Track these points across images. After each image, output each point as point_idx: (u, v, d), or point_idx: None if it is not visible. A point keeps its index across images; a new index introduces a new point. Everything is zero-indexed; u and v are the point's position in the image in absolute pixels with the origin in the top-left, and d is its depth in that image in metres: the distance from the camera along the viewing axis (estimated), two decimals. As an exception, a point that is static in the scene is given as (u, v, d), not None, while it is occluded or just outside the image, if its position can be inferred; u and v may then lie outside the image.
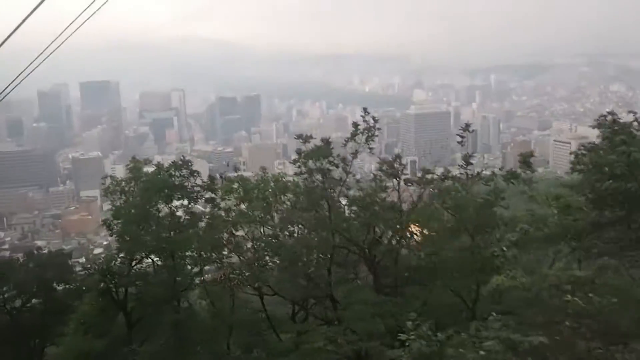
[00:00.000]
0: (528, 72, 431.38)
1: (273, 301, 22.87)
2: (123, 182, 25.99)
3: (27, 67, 9.66)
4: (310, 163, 19.89)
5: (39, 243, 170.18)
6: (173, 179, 24.80)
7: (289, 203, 22.35)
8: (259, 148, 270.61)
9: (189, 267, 24.55)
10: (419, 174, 19.78)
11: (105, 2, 7.96)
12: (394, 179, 19.11)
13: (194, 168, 25.53)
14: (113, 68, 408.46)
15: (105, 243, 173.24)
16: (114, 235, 25.32)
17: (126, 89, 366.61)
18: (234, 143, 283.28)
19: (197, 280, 24.55)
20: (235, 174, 26.49)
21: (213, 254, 22.39)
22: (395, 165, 19.29)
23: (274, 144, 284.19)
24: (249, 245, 22.31)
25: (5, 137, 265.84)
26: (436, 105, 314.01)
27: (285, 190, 22.62)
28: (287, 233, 21.60)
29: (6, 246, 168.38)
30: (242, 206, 23.01)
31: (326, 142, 20.21)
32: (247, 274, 21.32)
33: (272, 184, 23.43)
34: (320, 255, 20.93)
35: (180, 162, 25.49)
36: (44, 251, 37.63)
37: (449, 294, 18.38)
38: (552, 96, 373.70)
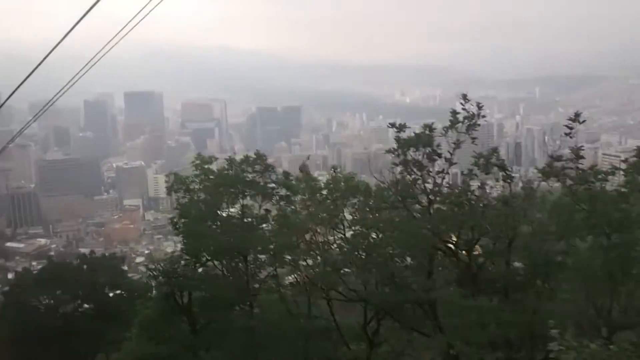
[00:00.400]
0: (574, 84, 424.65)
1: (340, 308, 21.60)
2: (188, 179, 25.15)
3: (73, 76, 10.35)
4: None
5: (82, 250, 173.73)
6: (245, 174, 23.77)
7: (358, 204, 20.95)
8: (299, 159, 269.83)
9: (262, 269, 23.47)
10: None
11: (147, 14, 8.49)
12: (501, 171, 17.27)
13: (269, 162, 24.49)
14: (156, 78, 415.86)
15: (146, 252, 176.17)
16: (180, 235, 24.35)
17: (168, 99, 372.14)
18: (274, 153, 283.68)
19: (270, 284, 23.23)
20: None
21: (289, 256, 21.11)
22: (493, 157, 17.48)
23: (314, 155, 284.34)
24: (334, 246, 20.55)
25: (53, 145, 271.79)
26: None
27: (357, 191, 21.38)
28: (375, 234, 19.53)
29: (52, 253, 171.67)
30: (315, 205, 21.59)
31: (429, 128, 18.56)
32: (328, 278, 19.56)
33: (342, 183, 22.05)
34: (414, 256, 19.11)
35: (254, 157, 24.46)
36: (97, 255, 38.29)
37: (569, 300, 16.57)
38: (600, 109, 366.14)
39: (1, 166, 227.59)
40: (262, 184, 23.75)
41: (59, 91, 11.12)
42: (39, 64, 9.53)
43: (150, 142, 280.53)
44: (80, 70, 10.32)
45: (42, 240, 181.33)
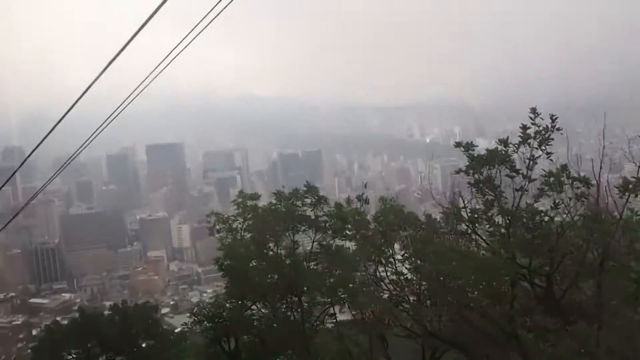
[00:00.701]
0: (595, 112, 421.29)
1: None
2: (230, 218, 24.62)
3: (94, 131, 10.63)
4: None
5: (107, 304, 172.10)
6: (295, 208, 22.76)
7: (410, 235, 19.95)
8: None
9: (316, 307, 22.23)
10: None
11: (165, 66, 8.64)
12: (584, 185, 15.88)
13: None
14: (177, 129, 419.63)
15: (172, 303, 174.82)
16: (225, 277, 23.91)
17: (190, 150, 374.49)
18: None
19: (326, 323, 22.19)
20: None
21: (345, 292, 20.08)
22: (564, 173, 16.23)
23: (337, 199, 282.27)
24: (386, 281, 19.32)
25: (76, 200, 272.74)
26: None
27: (408, 223, 20.66)
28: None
29: (76, 307, 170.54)
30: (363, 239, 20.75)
31: (504, 142, 16.90)
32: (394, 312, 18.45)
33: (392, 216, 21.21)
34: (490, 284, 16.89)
35: (304, 189, 23.62)
36: (129, 305, 36.05)
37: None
38: (623, 138, 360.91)
39: (25, 223, 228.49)
40: (313, 217, 22.72)
41: (80, 146, 11.41)
42: (60, 120, 9.84)
43: (173, 193, 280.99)
44: (101, 125, 10.63)
45: (67, 295, 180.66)
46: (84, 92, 9.09)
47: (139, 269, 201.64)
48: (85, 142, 11.45)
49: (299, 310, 21.59)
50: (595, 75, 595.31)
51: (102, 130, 10.87)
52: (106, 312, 37.11)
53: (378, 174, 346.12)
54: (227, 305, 22.57)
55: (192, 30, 8.64)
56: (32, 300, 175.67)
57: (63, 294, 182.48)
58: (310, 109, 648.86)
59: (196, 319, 23.42)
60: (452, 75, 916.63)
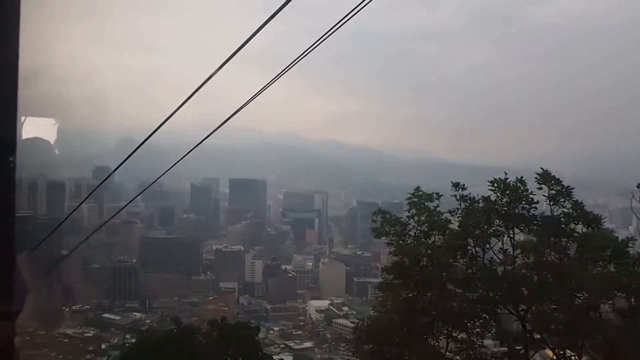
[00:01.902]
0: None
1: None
2: (402, 219, 21.63)
3: (177, 161, 11.60)
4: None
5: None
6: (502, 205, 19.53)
7: None
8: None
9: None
10: None
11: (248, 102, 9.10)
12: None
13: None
14: (261, 167, 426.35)
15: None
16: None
17: (272, 188, 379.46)
18: (372, 248, 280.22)
19: None
20: None
21: None
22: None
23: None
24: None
25: (157, 224, 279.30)
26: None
27: None
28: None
29: (145, 328, 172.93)
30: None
31: None
32: None
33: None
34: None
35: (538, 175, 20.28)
36: (228, 322, 34.95)
37: None
38: None
39: (108, 240, 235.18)
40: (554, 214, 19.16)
41: (162, 174, 12.47)
42: (140, 145, 10.59)
43: (251, 227, 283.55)
44: (183, 156, 11.57)
45: (138, 314, 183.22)
46: (163, 123, 9.71)
47: (210, 297, 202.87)
48: (167, 170, 12.36)
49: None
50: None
51: (181, 160, 11.76)
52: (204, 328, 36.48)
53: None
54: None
55: (282, 72, 8.76)
56: (105, 315, 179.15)
57: (134, 313, 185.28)
58: (395, 161, 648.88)
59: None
60: (544, 141, 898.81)
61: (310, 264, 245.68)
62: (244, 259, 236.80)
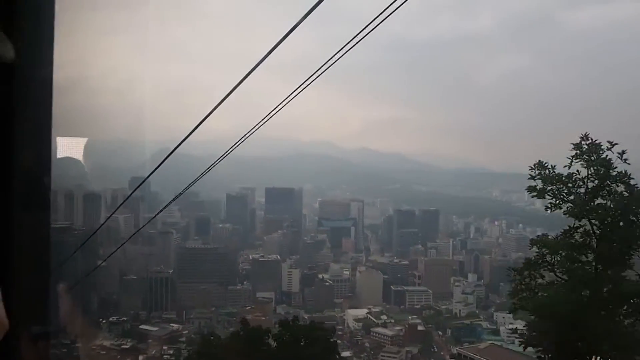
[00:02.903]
0: None
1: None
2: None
3: (205, 169, 11.71)
4: None
5: (212, 339, 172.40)
6: None
7: None
8: (435, 263, 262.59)
9: None
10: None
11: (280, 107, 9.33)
12: None
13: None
14: (297, 176, 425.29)
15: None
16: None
17: (308, 197, 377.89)
18: (409, 256, 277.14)
19: None
20: None
21: None
22: None
23: (450, 260, 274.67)
24: None
25: (193, 234, 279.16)
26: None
27: None
28: None
29: (183, 339, 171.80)
30: None
31: None
32: None
33: None
34: None
35: None
36: (301, 322, 32.51)
37: None
38: None
39: (144, 250, 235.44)
40: None
41: (191, 182, 12.63)
42: (171, 153, 11.14)
43: (287, 237, 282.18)
44: (212, 164, 11.60)
45: (175, 325, 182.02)
46: (193, 130, 10.10)
47: (247, 307, 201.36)
48: (196, 179, 12.25)
49: None
50: None
51: (210, 169, 11.76)
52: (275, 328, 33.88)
53: (495, 239, 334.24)
54: None
55: (310, 80, 8.92)
56: (142, 326, 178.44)
57: (171, 324, 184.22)
58: (431, 169, 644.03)
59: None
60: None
61: (347, 272, 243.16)
62: (281, 269, 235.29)
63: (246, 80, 8.22)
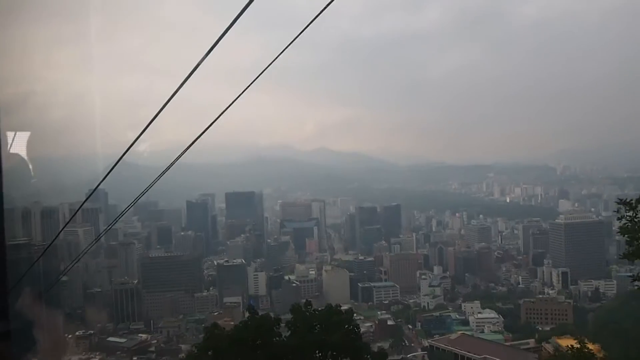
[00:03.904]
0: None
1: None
2: None
3: (155, 179, 11.98)
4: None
5: (183, 347, 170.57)
6: None
7: None
8: (400, 258, 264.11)
9: None
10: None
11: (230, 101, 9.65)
12: None
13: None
14: (257, 181, 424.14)
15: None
16: None
17: (269, 200, 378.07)
18: (373, 253, 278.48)
19: None
20: None
21: None
22: None
23: (415, 254, 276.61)
24: None
25: (155, 244, 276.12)
26: (587, 215, 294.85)
27: None
28: None
29: (152, 349, 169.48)
30: None
31: None
32: None
33: None
34: None
35: None
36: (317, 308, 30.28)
37: None
38: None
39: (106, 263, 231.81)
40: None
41: (142, 191, 12.89)
42: (116, 163, 11.38)
43: (250, 240, 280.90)
44: (162, 173, 11.79)
45: (144, 336, 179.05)
46: (134, 142, 10.32)
47: (215, 313, 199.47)
48: (147, 187, 12.42)
49: None
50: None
51: (162, 176, 11.85)
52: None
53: (457, 231, 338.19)
54: None
55: (251, 83, 9.46)
56: (110, 338, 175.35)
57: (140, 335, 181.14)
58: (388, 166, 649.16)
59: None
60: (533, 137, 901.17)
61: (313, 272, 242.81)
62: (246, 273, 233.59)
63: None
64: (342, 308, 31.34)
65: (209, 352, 27.32)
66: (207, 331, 29.07)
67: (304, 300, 30.95)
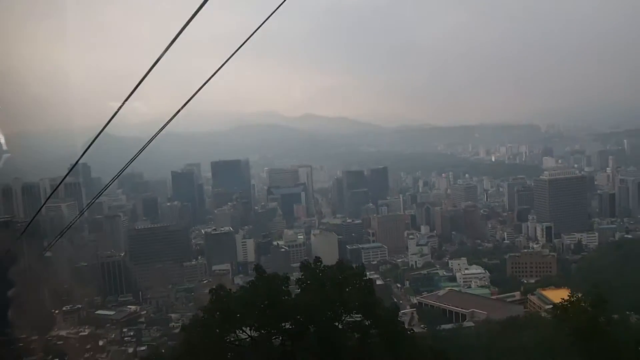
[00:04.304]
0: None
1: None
2: None
3: (140, 149, 11.57)
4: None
5: (173, 316, 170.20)
6: None
7: None
8: (388, 219, 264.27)
9: None
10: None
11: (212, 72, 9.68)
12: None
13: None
14: (243, 149, 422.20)
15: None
16: None
17: (255, 167, 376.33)
18: (361, 215, 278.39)
19: None
20: None
21: None
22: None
23: (402, 215, 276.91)
24: None
25: (141, 215, 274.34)
26: (570, 171, 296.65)
27: None
28: None
29: (142, 319, 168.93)
30: None
31: None
32: None
33: None
34: None
35: None
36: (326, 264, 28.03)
37: None
38: None
39: (92, 237, 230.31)
40: None
41: (127, 163, 12.48)
42: (96, 137, 11.31)
43: (238, 208, 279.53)
44: (146, 144, 11.47)
45: (133, 307, 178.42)
46: (112, 116, 10.29)
47: (204, 282, 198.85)
48: (132, 159, 12.06)
49: None
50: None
51: (145, 147, 11.41)
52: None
53: (444, 191, 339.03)
54: None
55: (234, 53, 9.54)
56: (99, 312, 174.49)
57: (129, 306, 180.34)
58: (374, 129, 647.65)
59: None
60: (519, 99, 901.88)
61: (302, 237, 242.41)
62: (235, 240, 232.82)
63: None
64: (350, 262, 30.24)
65: (216, 315, 26.18)
66: (212, 293, 27.61)
67: (315, 257, 29.46)
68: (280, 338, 25.79)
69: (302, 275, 27.59)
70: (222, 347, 25.59)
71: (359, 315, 25.72)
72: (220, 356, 25.79)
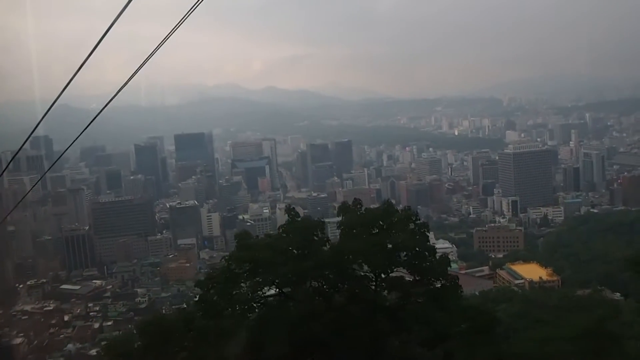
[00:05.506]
0: (626, 108, 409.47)
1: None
2: None
3: (90, 121, 11.76)
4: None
5: (139, 291, 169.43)
6: None
7: None
8: (353, 193, 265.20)
9: None
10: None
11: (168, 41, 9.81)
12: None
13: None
14: (206, 122, 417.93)
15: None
16: None
17: (219, 141, 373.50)
18: (326, 189, 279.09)
19: None
20: None
21: None
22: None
23: (367, 189, 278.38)
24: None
25: (105, 189, 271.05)
26: (534, 145, 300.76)
27: None
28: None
29: (107, 294, 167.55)
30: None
31: None
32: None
33: None
34: None
35: None
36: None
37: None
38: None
39: (55, 210, 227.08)
40: None
41: (79, 134, 13.00)
42: (48, 110, 11.14)
43: (202, 182, 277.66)
44: (97, 114, 11.54)
45: (98, 282, 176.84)
46: (66, 86, 10.16)
47: (170, 256, 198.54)
48: (83, 129, 12.16)
49: None
50: (624, 73, 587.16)
51: (94, 119, 11.62)
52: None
53: (408, 165, 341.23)
54: None
55: (184, 18, 9.25)
56: (63, 286, 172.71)
57: (94, 281, 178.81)
58: (338, 102, 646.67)
59: None
60: (480, 70, 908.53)
61: (267, 211, 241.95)
62: (200, 214, 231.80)
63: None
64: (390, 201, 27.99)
65: (246, 265, 22.31)
66: (238, 239, 24.28)
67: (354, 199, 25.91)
68: (322, 291, 22.87)
69: (343, 219, 24.49)
70: (252, 303, 22.23)
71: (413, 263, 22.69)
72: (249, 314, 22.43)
